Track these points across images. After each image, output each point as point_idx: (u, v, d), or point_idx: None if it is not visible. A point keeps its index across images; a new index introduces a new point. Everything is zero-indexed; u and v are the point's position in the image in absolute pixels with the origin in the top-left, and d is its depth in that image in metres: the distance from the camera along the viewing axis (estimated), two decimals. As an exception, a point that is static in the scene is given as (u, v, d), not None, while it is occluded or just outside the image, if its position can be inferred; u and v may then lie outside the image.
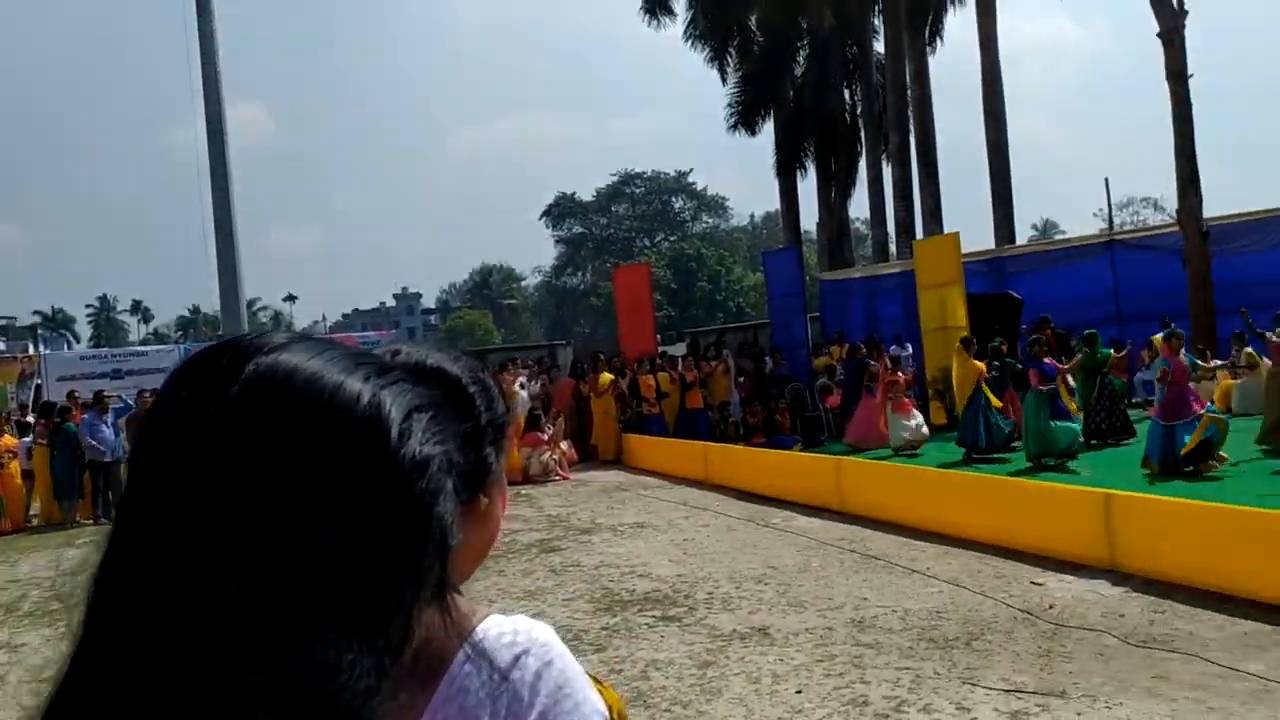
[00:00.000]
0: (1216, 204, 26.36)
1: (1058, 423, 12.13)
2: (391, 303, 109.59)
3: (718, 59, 31.11)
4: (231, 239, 12.44)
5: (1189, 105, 18.51)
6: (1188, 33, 18.30)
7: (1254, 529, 6.45)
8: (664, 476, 14.89)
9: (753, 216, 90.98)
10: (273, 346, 0.80)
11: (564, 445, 16.50)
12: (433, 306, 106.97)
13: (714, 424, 17.68)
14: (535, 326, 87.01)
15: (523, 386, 17.45)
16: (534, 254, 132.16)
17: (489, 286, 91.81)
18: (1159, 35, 18.47)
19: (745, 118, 30.20)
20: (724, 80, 31.33)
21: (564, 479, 15.64)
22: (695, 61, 31.87)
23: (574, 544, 10.23)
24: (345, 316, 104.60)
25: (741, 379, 19.34)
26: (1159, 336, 16.84)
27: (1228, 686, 4.93)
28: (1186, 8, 18.25)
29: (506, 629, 0.98)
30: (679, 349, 26.32)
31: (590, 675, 1.02)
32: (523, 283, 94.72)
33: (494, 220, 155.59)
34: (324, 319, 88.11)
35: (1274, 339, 12.83)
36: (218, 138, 12.27)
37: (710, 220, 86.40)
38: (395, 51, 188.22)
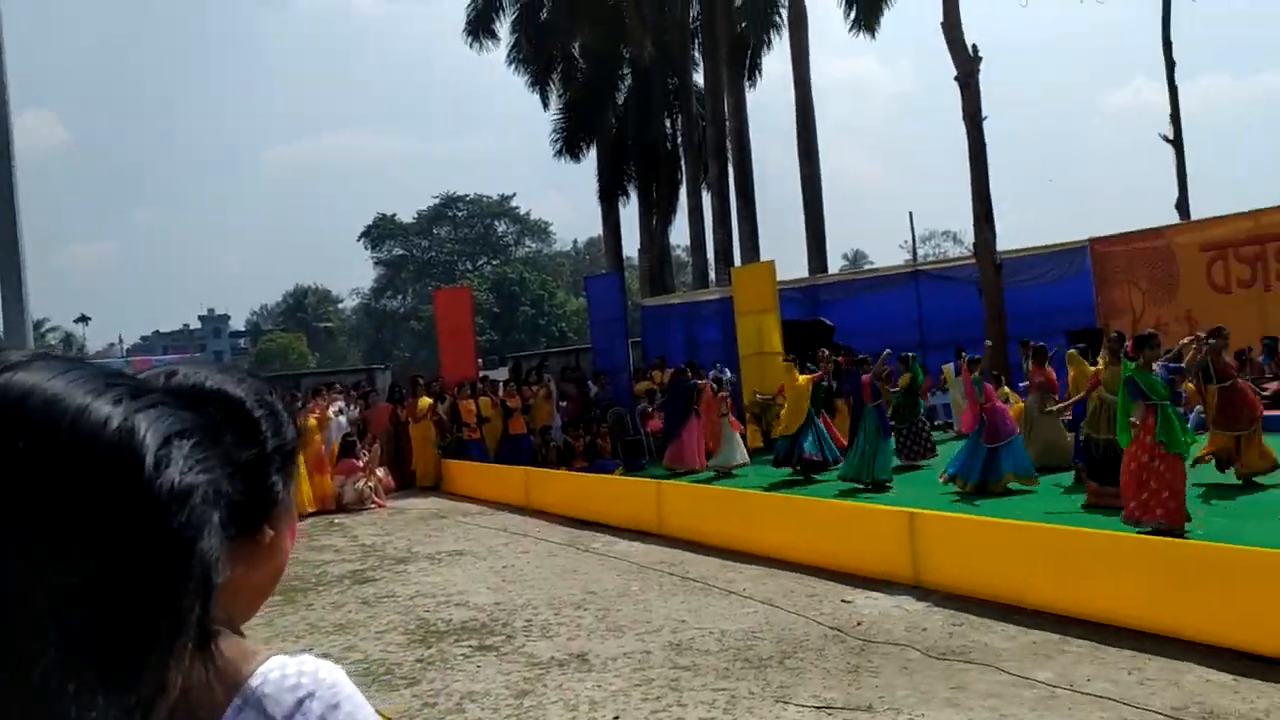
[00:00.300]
0: (1010, 238, 28.24)
1: (884, 447, 12.66)
2: (197, 324, 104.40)
3: (540, 84, 31.22)
4: (16, 253, 11.52)
5: (983, 145, 19.73)
6: (983, 78, 19.56)
7: (1043, 544, 6.88)
8: (484, 503, 14.68)
9: (576, 242, 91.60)
10: (7, 365, 0.71)
11: (380, 472, 16.06)
12: (242, 329, 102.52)
13: (536, 449, 17.58)
14: (353, 350, 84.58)
15: (339, 412, 16.89)
16: (352, 276, 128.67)
17: (304, 309, 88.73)
18: (956, 79, 19.64)
19: (569, 144, 30.38)
20: (546, 106, 31.46)
21: (380, 507, 15.21)
22: (519, 85, 31.77)
23: (389, 574, 9.93)
24: (145, 339, 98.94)
25: (564, 403, 19.33)
26: (949, 366, 17.91)
27: (1019, 694, 5.21)
28: (981, 54, 19.51)
29: (290, 671, 0.91)
30: (501, 373, 26.10)
31: (383, 715, 0.95)
32: (340, 305, 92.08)
33: (310, 240, 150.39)
34: (121, 341, 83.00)
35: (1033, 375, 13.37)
36: (2, 142, 11.39)
37: (534, 245, 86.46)
38: (205, 63, 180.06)
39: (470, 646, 6.99)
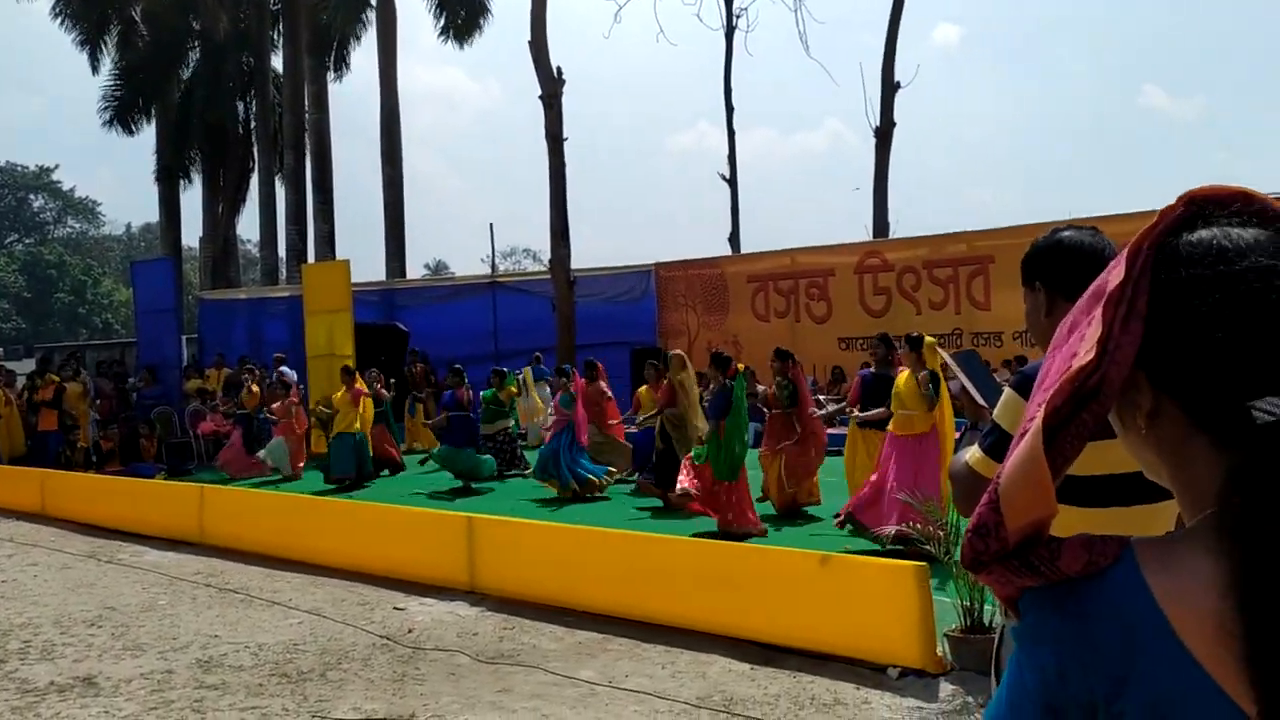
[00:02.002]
0: (585, 258, 29.56)
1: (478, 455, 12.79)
2: None
3: (91, 45, 27.91)
4: None
5: (563, 165, 20.40)
6: (567, 103, 20.23)
7: (590, 547, 7.05)
8: (-12, 510, 12.67)
9: (130, 226, 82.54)
10: None
11: None
12: None
13: (60, 450, 15.52)
14: None
15: None
16: None
17: None
18: (540, 98, 20.15)
19: (122, 114, 27.39)
20: (96, 70, 28.19)
21: None
22: (67, 43, 28.13)
23: None
24: None
25: (99, 400, 17.27)
26: (526, 370, 18.28)
27: (562, 693, 5.24)
28: (565, 78, 20.17)
29: None
30: (28, 365, 23.03)
31: None
32: None
33: None
34: None
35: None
36: None
37: (77, 225, 76.71)
38: None
39: (-56, 677, 5.87)
